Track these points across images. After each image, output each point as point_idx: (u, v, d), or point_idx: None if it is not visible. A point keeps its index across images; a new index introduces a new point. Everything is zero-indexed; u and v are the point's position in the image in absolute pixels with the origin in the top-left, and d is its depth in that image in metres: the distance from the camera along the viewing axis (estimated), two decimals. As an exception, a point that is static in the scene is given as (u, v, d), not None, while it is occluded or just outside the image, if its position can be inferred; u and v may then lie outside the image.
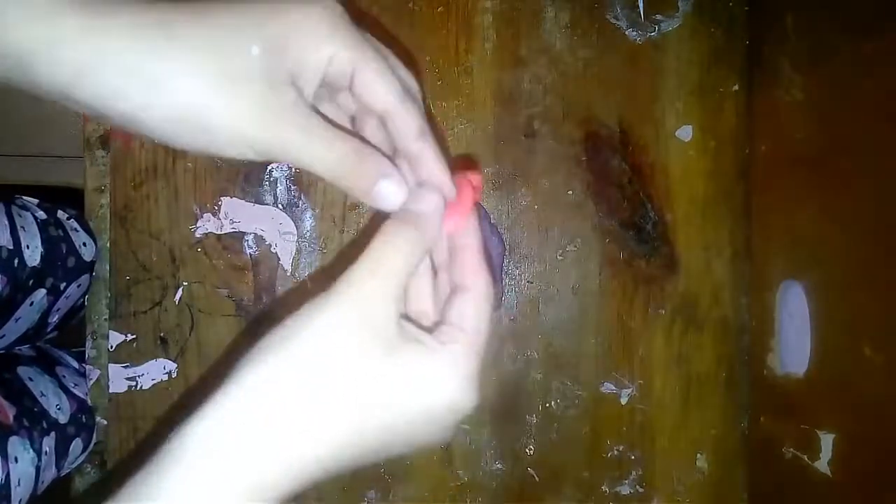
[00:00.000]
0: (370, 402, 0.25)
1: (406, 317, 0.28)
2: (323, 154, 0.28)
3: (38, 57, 0.24)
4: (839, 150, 0.49)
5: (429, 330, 0.28)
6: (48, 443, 0.53)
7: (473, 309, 0.28)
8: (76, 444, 0.56)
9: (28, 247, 0.53)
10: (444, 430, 0.27)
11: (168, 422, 0.58)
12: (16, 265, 0.51)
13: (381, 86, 0.29)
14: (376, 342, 0.25)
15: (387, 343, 0.25)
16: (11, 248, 0.51)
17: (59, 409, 0.55)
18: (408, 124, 0.30)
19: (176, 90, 0.25)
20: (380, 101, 0.29)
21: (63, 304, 0.59)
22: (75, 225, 0.59)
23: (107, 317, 0.57)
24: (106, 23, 0.25)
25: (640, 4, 0.59)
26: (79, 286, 0.59)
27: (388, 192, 0.29)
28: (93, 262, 0.60)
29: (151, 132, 0.26)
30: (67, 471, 0.57)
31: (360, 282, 0.26)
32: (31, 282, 0.54)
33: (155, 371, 0.57)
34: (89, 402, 0.59)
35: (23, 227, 0.53)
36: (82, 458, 0.59)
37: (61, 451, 0.54)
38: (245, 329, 0.58)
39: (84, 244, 0.59)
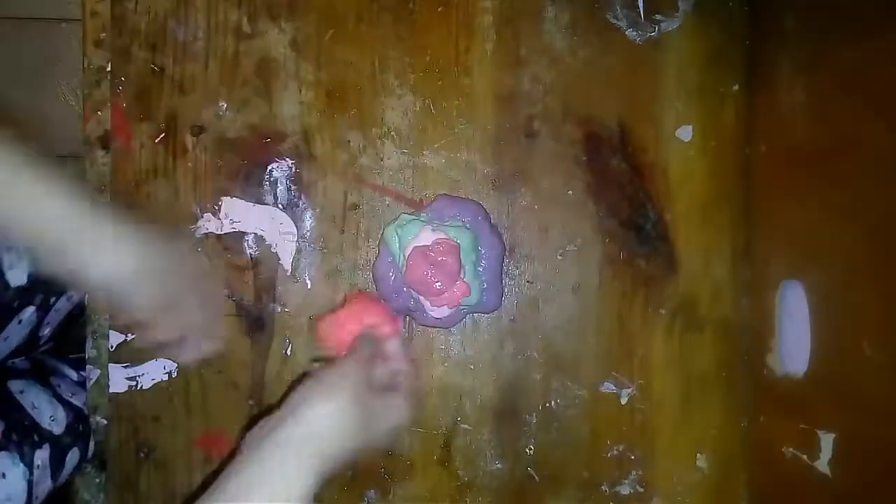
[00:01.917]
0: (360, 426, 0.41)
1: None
2: None
3: None
4: (839, 150, 0.49)
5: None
6: (41, 455, 0.52)
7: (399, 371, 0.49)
8: (73, 454, 0.56)
9: (12, 267, 0.53)
10: (391, 437, 0.45)
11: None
12: None
13: None
14: (359, 400, 0.42)
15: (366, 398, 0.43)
16: None
17: (53, 420, 0.55)
18: None
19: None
20: None
21: (53, 318, 0.59)
22: None
23: (107, 317, 0.57)
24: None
25: (640, 4, 0.59)
26: (69, 299, 0.59)
27: None
28: None
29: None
30: (64, 480, 0.57)
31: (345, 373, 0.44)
32: (16, 302, 0.54)
33: (155, 371, 0.57)
34: (85, 409, 0.58)
35: (8, 248, 0.53)
36: (81, 463, 0.59)
37: (57, 463, 0.54)
38: (245, 329, 0.58)
39: None
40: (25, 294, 0.54)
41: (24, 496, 0.50)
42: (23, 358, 0.61)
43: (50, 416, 0.55)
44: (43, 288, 0.56)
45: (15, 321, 0.55)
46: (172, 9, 0.57)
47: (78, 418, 0.57)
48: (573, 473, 0.60)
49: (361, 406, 0.41)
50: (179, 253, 0.46)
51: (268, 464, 0.37)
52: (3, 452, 0.49)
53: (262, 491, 0.35)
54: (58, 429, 0.55)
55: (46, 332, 0.60)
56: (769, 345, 0.57)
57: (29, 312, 0.56)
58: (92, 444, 0.59)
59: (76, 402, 0.58)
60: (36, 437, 0.53)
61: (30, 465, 0.51)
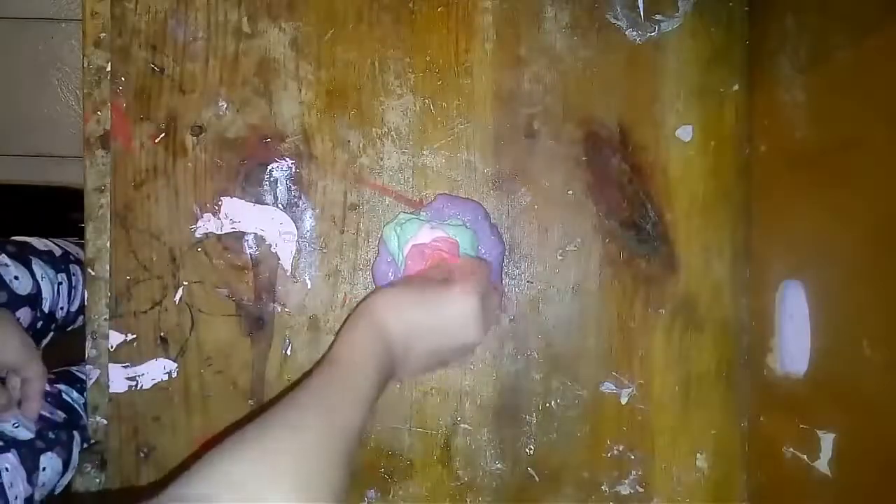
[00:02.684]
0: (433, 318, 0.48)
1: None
2: None
3: None
4: (839, 149, 0.49)
5: None
6: (9, 459, 0.54)
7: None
8: (50, 459, 0.56)
9: None
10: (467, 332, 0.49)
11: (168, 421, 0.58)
12: None
13: None
14: (427, 283, 0.50)
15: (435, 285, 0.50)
16: None
17: (16, 426, 0.56)
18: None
19: None
20: None
21: None
22: (5, 260, 0.59)
23: (107, 317, 0.57)
24: None
25: (640, 4, 0.59)
26: (18, 320, 0.58)
27: None
28: (30, 295, 0.59)
29: None
30: (51, 487, 0.58)
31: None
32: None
33: (155, 371, 0.57)
34: (57, 418, 0.59)
35: None
36: (69, 474, 0.59)
37: (30, 466, 0.55)
38: (245, 329, 0.58)
39: (16, 278, 0.59)
40: None
41: None
42: None
43: (13, 423, 0.56)
44: None
45: None
46: (172, 9, 0.57)
47: (49, 425, 0.58)
48: (573, 474, 0.60)
49: (427, 287, 0.49)
50: None
51: (359, 332, 0.46)
52: None
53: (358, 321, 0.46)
54: (25, 434, 0.56)
55: None
56: (769, 345, 0.57)
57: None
58: (76, 453, 0.59)
59: (44, 412, 0.59)
60: (0, 443, 0.54)
61: None
